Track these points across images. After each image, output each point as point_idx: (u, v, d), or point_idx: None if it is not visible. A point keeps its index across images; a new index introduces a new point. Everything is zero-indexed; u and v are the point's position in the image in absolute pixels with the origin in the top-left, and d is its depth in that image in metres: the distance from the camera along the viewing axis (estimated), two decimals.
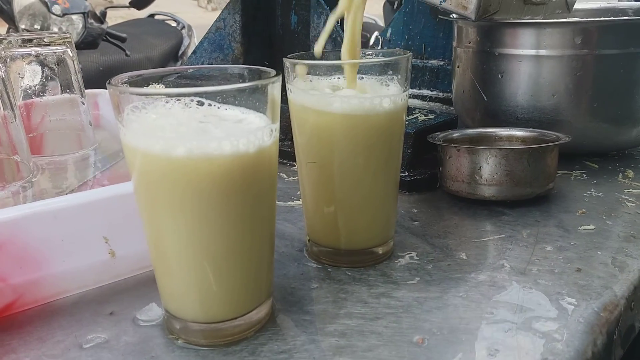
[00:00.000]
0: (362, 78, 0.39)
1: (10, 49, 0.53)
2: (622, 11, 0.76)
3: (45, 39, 0.53)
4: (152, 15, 3.29)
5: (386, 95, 0.38)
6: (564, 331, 0.30)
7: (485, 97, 0.63)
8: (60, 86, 0.58)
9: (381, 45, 1.10)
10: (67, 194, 0.47)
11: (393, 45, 1.07)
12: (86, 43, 2.21)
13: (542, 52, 0.59)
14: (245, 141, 0.28)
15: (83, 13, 2.17)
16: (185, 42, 3.11)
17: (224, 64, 0.72)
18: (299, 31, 0.68)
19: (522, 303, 0.33)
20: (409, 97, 0.97)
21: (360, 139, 0.37)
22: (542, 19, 0.66)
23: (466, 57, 0.65)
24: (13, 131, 0.50)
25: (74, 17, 2.15)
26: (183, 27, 3.28)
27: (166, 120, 0.28)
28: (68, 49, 0.55)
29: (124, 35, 2.34)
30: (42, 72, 0.56)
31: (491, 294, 0.34)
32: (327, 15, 0.61)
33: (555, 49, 0.58)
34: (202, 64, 0.74)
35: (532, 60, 0.60)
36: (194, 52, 0.74)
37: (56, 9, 2.09)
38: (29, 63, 0.54)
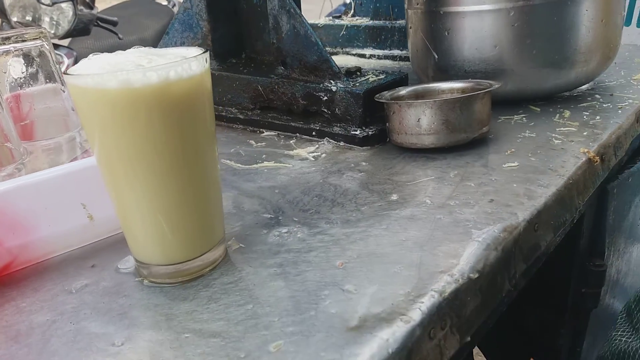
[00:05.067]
0: None
1: None
2: None
3: (24, 35, 0.59)
4: None
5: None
6: (463, 250, 0.36)
7: (435, 54, 0.68)
8: (43, 77, 0.63)
9: (354, 10, 1.14)
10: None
11: (365, 8, 1.11)
12: (78, 30, 2.25)
13: (483, 7, 0.63)
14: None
15: (72, 0, 2.21)
16: None
17: (195, 42, 0.77)
18: (262, 4, 0.73)
19: (433, 231, 0.39)
20: (381, 58, 1.01)
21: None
22: None
23: (416, 18, 0.70)
24: (2, 121, 0.56)
25: (63, 5, 2.19)
26: (174, 5, 3.29)
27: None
28: (44, 42, 0.60)
29: (114, 19, 2.37)
30: (24, 66, 0.61)
31: (408, 225, 0.40)
32: None
33: (494, 3, 0.62)
34: (175, 44, 0.79)
35: (474, 16, 0.64)
36: (167, 33, 0.79)
37: None
38: (12, 58, 0.60)
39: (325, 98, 0.62)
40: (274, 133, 0.67)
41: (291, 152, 0.60)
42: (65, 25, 2.20)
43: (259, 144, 0.64)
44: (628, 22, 1.33)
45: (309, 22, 0.68)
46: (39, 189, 0.40)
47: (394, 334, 0.29)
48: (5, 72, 0.59)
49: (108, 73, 0.33)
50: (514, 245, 0.39)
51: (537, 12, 0.62)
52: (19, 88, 0.63)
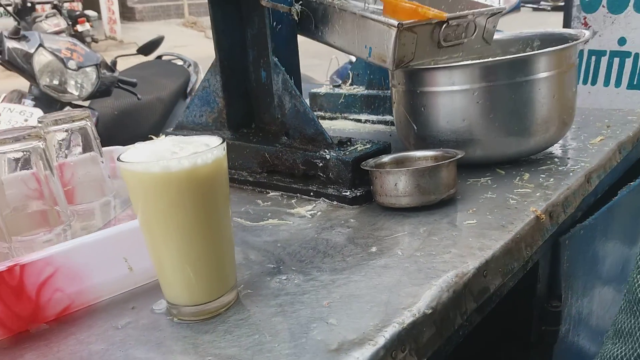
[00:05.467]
0: None
1: (47, 127, 0.71)
2: (530, 39, 0.92)
3: (73, 117, 0.71)
4: (159, 57, 3.50)
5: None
6: (422, 292, 0.47)
7: (414, 126, 0.80)
8: (83, 149, 0.76)
9: (351, 79, 1.28)
10: (95, 231, 0.65)
11: (361, 78, 1.24)
12: (101, 91, 2.42)
13: (452, 87, 0.75)
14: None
15: (96, 65, 2.39)
16: (193, 79, 3.32)
17: (212, 115, 0.90)
18: (268, 84, 0.86)
19: (400, 277, 0.49)
20: (375, 123, 1.13)
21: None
22: (461, 56, 0.83)
23: (398, 95, 0.82)
24: (53, 187, 0.68)
25: (88, 69, 2.37)
26: (189, 65, 3.49)
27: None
28: (88, 122, 0.73)
29: (134, 80, 2.55)
30: (70, 141, 0.74)
31: (382, 272, 0.51)
32: (284, 74, 0.78)
33: (461, 84, 0.75)
34: (195, 116, 0.92)
35: (445, 95, 0.76)
36: (188, 107, 0.92)
37: (71, 64, 2.31)
38: (61, 135, 0.73)
39: (321, 164, 0.74)
40: (278, 193, 0.78)
41: (292, 211, 0.71)
42: (89, 88, 2.37)
43: (265, 203, 0.75)
44: (618, 84, 1.46)
45: (316, 78, 0.81)
46: (92, 247, 0.51)
47: (363, 354, 0.39)
48: (55, 146, 0.72)
49: (152, 162, 0.44)
50: (464, 288, 0.49)
51: (497, 92, 0.74)
52: (64, 158, 0.75)
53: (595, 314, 0.80)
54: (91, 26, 9.58)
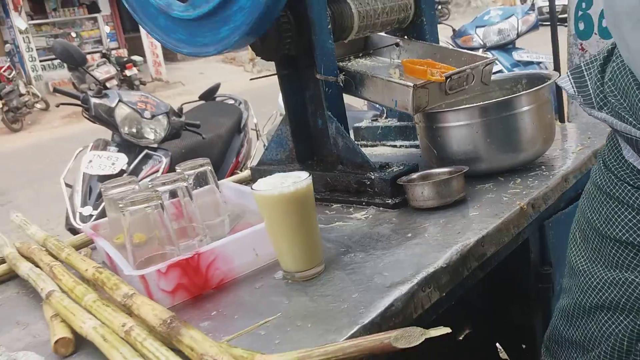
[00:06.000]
0: None
1: (185, 171, 1.05)
2: (520, 77, 1.21)
3: (199, 164, 1.04)
4: (214, 98, 3.91)
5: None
6: (440, 255, 0.76)
7: (435, 151, 1.10)
8: (202, 184, 1.09)
9: (386, 114, 1.59)
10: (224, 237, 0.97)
11: (393, 112, 1.55)
12: (172, 134, 2.82)
13: (458, 123, 1.05)
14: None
15: (166, 113, 2.80)
16: (244, 115, 3.71)
17: (285, 153, 1.22)
18: (324, 129, 1.17)
19: (427, 249, 0.79)
20: (407, 147, 1.43)
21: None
22: (466, 98, 1.13)
23: (420, 129, 1.13)
24: (190, 210, 1.01)
25: (160, 117, 2.78)
26: (240, 103, 3.89)
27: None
28: (208, 167, 1.06)
29: (198, 122, 2.94)
30: (199, 177, 1.07)
31: (414, 247, 0.81)
32: (336, 123, 1.10)
33: (464, 121, 1.04)
34: (273, 154, 1.24)
35: (454, 128, 1.06)
36: (266, 148, 1.25)
37: (146, 114, 2.72)
38: (192, 175, 1.06)
39: (369, 183, 1.05)
40: (339, 205, 1.09)
41: (351, 216, 1.02)
42: (162, 133, 2.77)
43: (331, 212, 1.07)
44: None
45: (355, 112, 1.11)
46: (235, 242, 0.84)
47: (405, 288, 0.70)
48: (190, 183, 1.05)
49: (273, 189, 0.76)
50: (468, 252, 0.78)
51: (491, 124, 1.03)
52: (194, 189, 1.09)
53: None
54: (138, 70, 10.30)
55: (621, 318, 0.67)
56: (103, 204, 2.60)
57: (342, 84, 1.09)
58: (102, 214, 2.38)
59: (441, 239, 0.82)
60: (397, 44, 1.28)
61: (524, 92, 1.03)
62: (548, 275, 0.97)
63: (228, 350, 0.59)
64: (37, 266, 0.94)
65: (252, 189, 0.79)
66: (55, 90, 2.66)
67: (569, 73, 0.73)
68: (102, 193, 0.98)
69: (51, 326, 0.77)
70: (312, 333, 0.64)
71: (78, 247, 1.07)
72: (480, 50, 3.83)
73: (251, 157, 3.64)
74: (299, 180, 0.77)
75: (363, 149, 1.10)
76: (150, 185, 0.95)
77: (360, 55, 1.28)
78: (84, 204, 2.71)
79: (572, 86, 0.72)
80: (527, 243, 0.95)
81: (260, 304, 0.74)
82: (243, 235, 0.85)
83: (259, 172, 1.23)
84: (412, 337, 0.50)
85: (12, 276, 1.05)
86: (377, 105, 1.95)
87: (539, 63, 3.57)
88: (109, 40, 13.92)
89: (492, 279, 0.88)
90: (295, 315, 0.70)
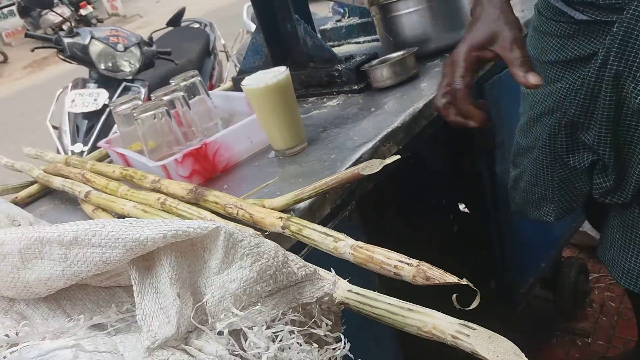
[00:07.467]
0: None
1: (178, 83, 1.21)
2: None
3: (190, 75, 1.20)
4: (179, 24, 3.94)
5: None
6: (397, 118, 0.95)
7: (390, 38, 1.27)
8: (194, 94, 1.25)
9: (348, 13, 1.72)
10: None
11: (354, 10, 1.69)
12: (146, 64, 2.91)
13: (408, 10, 1.21)
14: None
15: (138, 44, 2.87)
16: (212, 37, 3.76)
17: (261, 60, 1.37)
18: (294, 32, 1.32)
19: (387, 116, 0.98)
20: (370, 42, 1.59)
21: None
22: None
23: (377, 21, 1.28)
24: (189, 117, 1.19)
25: (132, 48, 2.85)
26: (206, 26, 3.92)
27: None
28: (197, 78, 1.22)
29: (169, 50, 3.02)
30: (191, 88, 1.23)
31: (377, 117, 1.00)
32: (303, 24, 1.25)
33: (413, 7, 1.20)
34: (251, 62, 1.40)
35: (405, 16, 1.22)
36: (245, 57, 1.40)
37: (119, 47, 2.80)
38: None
39: (337, 74, 1.22)
40: (314, 98, 1.27)
41: (325, 104, 1.20)
42: (137, 64, 2.86)
43: (308, 105, 1.24)
44: None
45: (320, 19, 1.27)
46: (233, 132, 1.02)
47: (370, 145, 0.89)
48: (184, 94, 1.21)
49: (259, 82, 0.94)
50: (419, 113, 0.98)
51: (435, 9, 1.19)
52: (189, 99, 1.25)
53: (513, 129, 1.27)
54: (93, 8, 9.92)
55: (552, 117, 0.94)
56: (92, 139, 2.76)
57: None
58: (93, 149, 2.53)
59: (398, 107, 1.01)
60: None
61: None
62: (490, 130, 1.18)
63: (244, 201, 0.79)
64: (68, 179, 1.13)
65: (241, 85, 0.96)
66: (27, 36, 2.70)
67: None
68: (112, 111, 1.14)
69: (95, 217, 0.96)
70: (304, 185, 0.84)
71: None
72: None
73: (224, 80, 3.74)
74: (279, 73, 0.94)
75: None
76: (153, 98, 1.11)
77: None
78: (74, 141, 2.84)
79: None
80: None
81: (260, 175, 0.94)
82: (239, 126, 1.03)
83: (240, 82, 1.39)
84: (374, 166, 0.70)
85: (43, 194, 1.23)
86: (340, 9, 2.08)
87: None
88: None
89: (447, 138, 1.08)
90: (289, 176, 0.90)
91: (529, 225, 1.21)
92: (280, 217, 0.67)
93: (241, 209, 0.72)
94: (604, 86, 0.82)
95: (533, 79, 0.72)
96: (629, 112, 0.82)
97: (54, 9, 5.88)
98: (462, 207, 1.49)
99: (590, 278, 1.76)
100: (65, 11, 9.69)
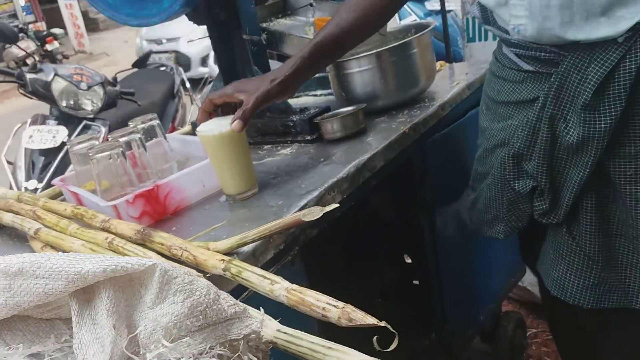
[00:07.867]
0: None
1: (137, 126, 1.24)
2: (409, 28, 1.47)
3: (149, 119, 1.24)
4: (146, 66, 3.99)
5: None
6: (343, 169, 1.02)
7: (344, 94, 1.35)
8: (153, 137, 1.29)
9: None
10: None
11: None
12: (108, 104, 2.93)
13: (360, 69, 1.30)
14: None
15: (101, 83, 2.90)
16: (177, 80, 3.83)
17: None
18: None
19: (335, 167, 1.05)
20: (326, 95, 1.68)
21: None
22: (367, 47, 1.37)
23: (332, 77, 1.37)
24: (144, 159, 1.22)
25: (96, 87, 2.88)
26: (171, 69, 3.99)
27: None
28: (156, 121, 1.26)
29: (132, 90, 3.06)
30: (148, 131, 1.27)
31: (326, 167, 1.06)
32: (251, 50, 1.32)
33: (365, 67, 1.29)
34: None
35: (357, 74, 1.30)
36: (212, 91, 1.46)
37: (83, 85, 2.82)
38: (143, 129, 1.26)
39: (291, 124, 1.28)
40: (269, 146, 1.33)
41: (278, 152, 1.25)
42: (99, 103, 2.88)
43: (263, 152, 1.30)
44: (486, 37, 2.01)
45: None
46: (186, 176, 1.06)
47: (316, 193, 0.95)
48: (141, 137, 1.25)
49: (214, 129, 0.99)
50: (363, 166, 1.04)
51: (384, 68, 1.28)
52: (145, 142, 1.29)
53: (454, 184, 1.35)
54: (60, 44, 9.88)
55: (503, 148, 1.07)
56: (48, 176, 2.73)
57: (264, 42, 1.30)
58: (48, 186, 2.51)
59: (344, 159, 1.08)
60: (311, 4, 1.50)
61: (408, 38, 1.29)
62: (428, 184, 1.26)
63: (189, 243, 0.82)
64: (19, 215, 1.13)
65: (196, 131, 1.01)
66: None
67: (477, 2, 1.06)
68: (69, 149, 1.17)
69: None
70: (251, 229, 0.88)
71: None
72: None
73: (187, 122, 3.79)
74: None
75: (288, 100, 1.33)
76: (110, 139, 1.15)
77: (280, 16, 1.50)
78: (28, 178, 2.80)
79: (478, 10, 1.06)
80: (410, 160, 1.23)
81: (209, 219, 0.98)
82: (192, 170, 1.07)
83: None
84: (315, 212, 0.75)
85: None
86: None
87: (449, 11, 3.87)
88: (24, 13, 13.13)
89: (391, 190, 1.15)
90: (237, 220, 0.94)
91: (469, 278, 1.28)
92: (223, 260, 0.71)
93: (185, 250, 0.75)
94: (542, 125, 0.97)
95: (236, 125, 0.97)
96: (561, 147, 0.97)
97: (18, 43, 5.83)
98: (406, 257, 1.56)
99: (528, 333, 1.83)
100: (30, 45, 9.59)
